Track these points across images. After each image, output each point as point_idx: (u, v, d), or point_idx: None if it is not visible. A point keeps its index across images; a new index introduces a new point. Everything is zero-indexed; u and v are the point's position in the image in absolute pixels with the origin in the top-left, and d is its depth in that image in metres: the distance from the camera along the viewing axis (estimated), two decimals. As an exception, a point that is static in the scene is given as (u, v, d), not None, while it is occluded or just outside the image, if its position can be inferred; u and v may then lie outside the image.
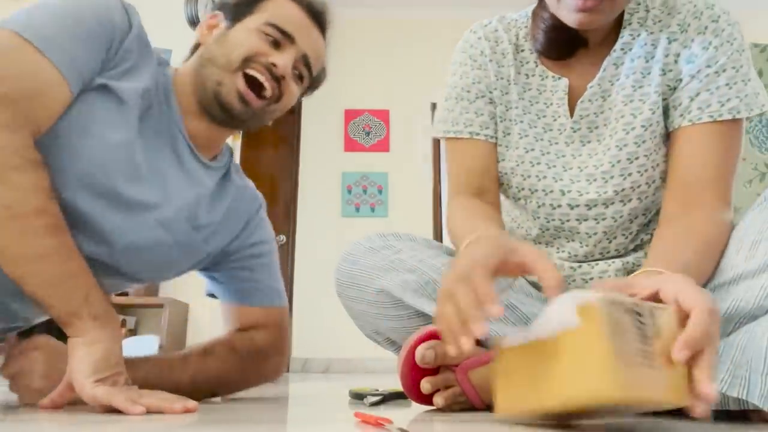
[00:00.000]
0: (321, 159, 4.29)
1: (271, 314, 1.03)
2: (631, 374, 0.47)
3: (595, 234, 0.89)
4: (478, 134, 0.93)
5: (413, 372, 0.73)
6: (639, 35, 0.86)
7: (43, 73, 0.72)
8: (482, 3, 4.24)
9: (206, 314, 2.79)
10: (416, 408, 0.79)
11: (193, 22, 2.83)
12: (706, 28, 0.83)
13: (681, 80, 0.83)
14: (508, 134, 0.93)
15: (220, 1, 0.97)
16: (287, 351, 1.07)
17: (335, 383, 1.96)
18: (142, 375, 0.85)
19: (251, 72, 0.87)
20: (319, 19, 0.96)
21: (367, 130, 4.41)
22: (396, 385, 0.82)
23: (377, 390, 0.95)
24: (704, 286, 0.71)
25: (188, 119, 0.90)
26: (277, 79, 0.88)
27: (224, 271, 1.02)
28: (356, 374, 3.18)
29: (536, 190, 0.90)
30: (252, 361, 0.97)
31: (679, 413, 0.68)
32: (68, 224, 0.75)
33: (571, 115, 0.89)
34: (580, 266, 0.90)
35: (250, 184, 1.06)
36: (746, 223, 0.72)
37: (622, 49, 0.87)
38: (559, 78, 0.89)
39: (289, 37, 0.90)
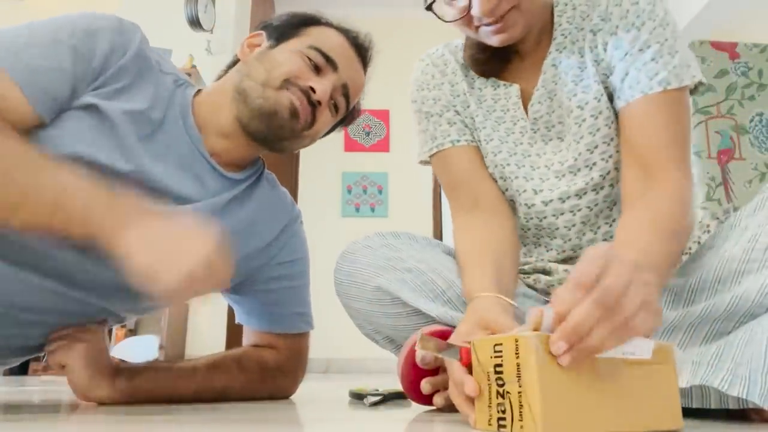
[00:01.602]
0: (321, 159, 4.29)
1: (290, 339, 1.00)
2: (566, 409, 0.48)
3: (574, 226, 0.90)
4: (458, 141, 0.94)
5: (413, 372, 0.73)
6: (570, 33, 0.89)
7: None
8: (482, 3, 4.24)
9: (206, 314, 2.79)
10: (416, 408, 0.79)
11: (193, 22, 2.83)
12: (627, 11, 0.85)
13: (614, 66, 0.85)
14: (479, 141, 0.95)
15: (265, 21, 0.95)
16: (301, 373, 1.04)
17: (335, 383, 1.97)
18: (150, 380, 0.85)
19: (288, 95, 0.84)
20: (362, 53, 0.95)
21: (367, 130, 4.41)
22: (396, 385, 0.82)
23: (377, 390, 0.95)
24: (704, 284, 0.71)
25: (209, 136, 0.87)
26: (313, 105, 0.86)
27: (251, 295, 0.98)
28: (356, 374, 3.18)
29: (507, 190, 0.92)
30: (259, 378, 0.95)
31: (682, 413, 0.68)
32: (70, 246, 0.74)
33: (528, 118, 0.91)
34: (566, 271, 0.90)
35: (285, 195, 1.01)
36: (745, 214, 0.72)
37: (557, 49, 0.90)
38: (510, 84, 0.92)
39: (331, 64, 0.88)
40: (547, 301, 0.92)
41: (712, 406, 0.64)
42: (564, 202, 0.89)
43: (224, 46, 3.03)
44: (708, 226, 0.90)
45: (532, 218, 0.92)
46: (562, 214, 0.89)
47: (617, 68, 0.84)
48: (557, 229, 0.91)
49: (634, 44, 0.83)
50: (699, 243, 0.88)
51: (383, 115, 4.43)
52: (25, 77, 0.71)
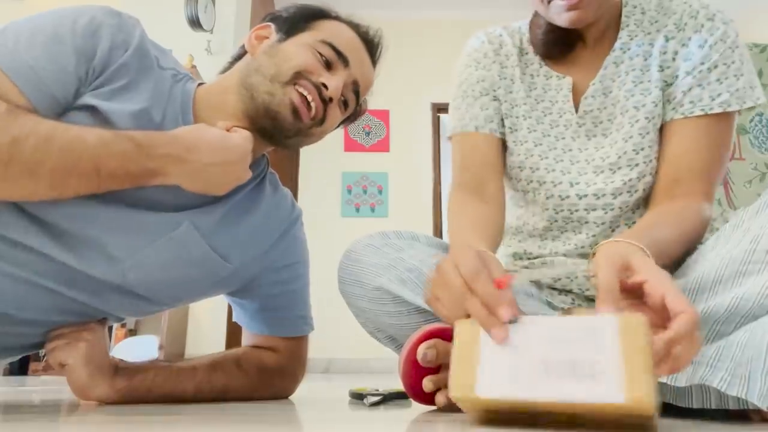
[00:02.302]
0: (321, 159, 4.29)
1: (290, 341, 1.00)
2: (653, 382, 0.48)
3: (603, 224, 0.91)
4: (483, 127, 0.97)
5: (414, 371, 0.73)
6: (636, 36, 0.92)
7: None
8: (482, 3, 4.24)
9: (206, 314, 2.79)
10: (417, 408, 0.79)
11: (193, 22, 2.83)
12: (702, 26, 0.88)
13: (677, 76, 0.88)
14: (516, 130, 0.97)
15: (273, 13, 0.93)
16: (301, 374, 1.04)
17: (335, 383, 1.96)
18: (150, 380, 0.85)
19: (300, 89, 0.83)
20: (372, 49, 0.94)
21: (367, 130, 4.41)
22: (396, 385, 0.82)
23: (377, 390, 0.95)
24: (705, 285, 0.71)
25: None
26: (324, 101, 0.85)
27: (252, 299, 0.97)
28: (356, 374, 3.18)
29: (545, 182, 0.93)
30: (258, 379, 0.95)
31: (682, 412, 0.68)
32: (71, 244, 0.75)
33: (576, 111, 0.93)
34: (575, 264, 0.91)
35: (286, 196, 1.00)
36: (747, 216, 0.72)
37: (621, 48, 0.92)
38: (563, 77, 0.95)
39: (343, 60, 0.87)
40: (550, 302, 0.93)
41: (712, 406, 0.64)
42: (599, 198, 0.90)
43: (224, 46, 3.03)
44: (716, 228, 0.90)
45: (563, 210, 0.93)
46: (594, 210, 0.91)
47: (682, 80, 0.87)
48: (586, 223, 0.92)
49: (703, 62, 0.86)
50: (702, 243, 0.88)
51: (383, 115, 4.43)
52: (28, 80, 0.71)
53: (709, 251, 0.76)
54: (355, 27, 0.92)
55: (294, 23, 0.89)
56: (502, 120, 0.98)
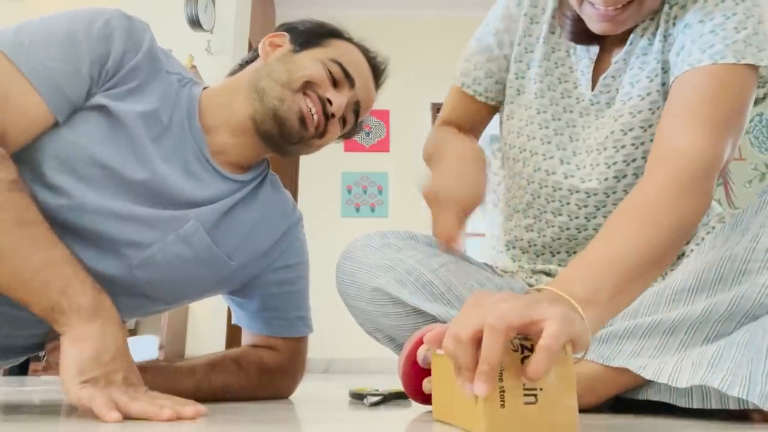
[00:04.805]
0: (321, 159, 4.27)
1: (289, 341, 1.00)
2: (509, 415, 0.47)
3: (586, 207, 0.88)
4: (480, 94, 0.99)
5: (414, 371, 0.73)
6: (656, 10, 0.83)
7: (12, 83, 0.70)
8: (483, 3, 4.24)
9: (206, 314, 2.79)
10: (416, 408, 0.79)
11: (193, 22, 2.83)
12: None
13: (676, 41, 0.80)
14: (523, 93, 0.95)
15: (289, 24, 0.97)
16: (300, 374, 1.04)
17: (335, 383, 1.96)
18: (148, 379, 0.85)
19: (306, 100, 0.86)
20: (378, 74, 0.98)
21: (367, 130, 4.41)
22: (396, 385, 0.82)
23: (377, 390, 0.95)
24: (705, 284, 0.70)
25: (214, 135, 0.87)
26: (326, 116, 0.87)
27: (251, 298, 0.98)
28: (356, 374, 3.18)
29: (536, 153, 0.92)
30: (258, 378, 0.95)
31: (682, 412, 0.68)
32: (80, 239, 0.74)
33: (593, 88, 0.89)
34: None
35: (287, 198, 1.02)
36: (747, 215, 0.72)
37: (652, 18, 0.84)
38: (588, 48, 0.89)
39: (350, 80, 0.90)
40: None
41: (713, 407, 0.64)
42: (583, 182, 0.87)
43: (224, 46, 3.03)
44: (713, 228, 0.90)
45: (546, 186, 0.91)
46: (577, 191, 0.88)
47: (677, 42, 0.78)
48: (567, 204, 0.89)
49: (696, 15, 0.77)
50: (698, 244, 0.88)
51: (383, 115, 4.43)
52: (42, 78, 0.71)
53: (708, 250, 0.76)
54: (365, 51, 0.96)
55: (309, 37, 0.92)
56: (496, 83, 0.98)
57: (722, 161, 0.71)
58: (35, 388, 1.55)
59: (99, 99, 0.76)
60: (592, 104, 0.89)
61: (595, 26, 0.79)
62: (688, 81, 0.74)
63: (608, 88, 0.87)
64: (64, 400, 0.98)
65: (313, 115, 0.86)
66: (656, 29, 0.84)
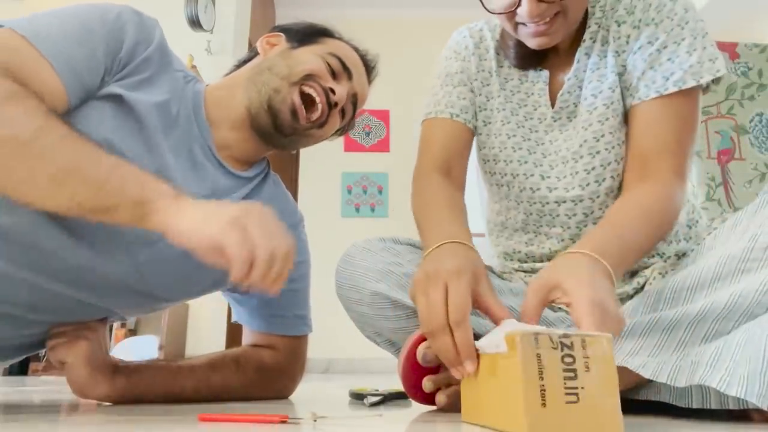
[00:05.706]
0: (321, 159, 4.29)
1: (289, 340, 1.01)
2: (550, 414, 0.47)
3: (575, 215, 0.91)
4: (457, 116, 0.97)
5: (414, 371, 0.73)
6: (601, 24, 0.92)
7: (32, 62, 0.70)
8: (482, 3, 4.24)
9: (206, 314, 2.79)
10: (417, 408, 0.79)
11: (193, 22, 2.83)
12: (649, 5, 0.88)
13: (631, 62, 0.88)
14: (490, 123, 0.98)
15: (282, 26, 1.00)
16: (299, 374, 1.04)
17: (335, 383, 1.96)
18: (148, 379, 0.85)
19: (308, 89, 0.88)
20: (369, 68, 1.01)
21: (367, 130, 4.41)
22: (396, 385, 0.82)
23: (377, 390, 0.95)
24: (704, 283, 0.70)
25: (218, 130, 0.89)
26: (329, 105, 0.90)
27: (250, 296, 0.98)
28: (357, 374, 3.18)
29: (518, 175, 0.94)
30: (257, 378, 0.96)
31: (682, 412, 0.68)
32: (87, 235, 0.74)
33: (552, 106, 0.94)
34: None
35: (289, 197, 1.04)
36: (745, 215, 0.72)
37: (590, 38, 0.92)
38: (540, 70, 0.95)
39: (348, 72, 0.94)
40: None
41: (713, 406, 0.64)
42: (568, 191, 0.91)
43: (224, 46, 3.04)
44: (714, 228, 0.90)
45: (536, 203, 0.94)
46: (564, 202, 0.91)
47: (635, 65, 0.87)
48: (558, 216, 0.92)
49: (650, 41, 0.86)
50: (699, 244, 0.88)
51: (383, 115, 4.43)
52: (63, 65, 0.72)
53: (708, 250, 0.76)
54: (356, 48, 1.00)
55: (304, 36, 0.96)
56: (476, 113, 0.99)
57: (687, 184, 0.85)
58: (35, 388, 1.56)
59: (113, 88, 0.77)
60: (555, 120, 0.94)
61: (532, 42, 0.86)
62: (653, 110, 0.85)
63: (567, 103, 0.92)
64: (64, 400, 0.98)
65: (317, 102, 0.88)
66: (602, 46, 0.90)
